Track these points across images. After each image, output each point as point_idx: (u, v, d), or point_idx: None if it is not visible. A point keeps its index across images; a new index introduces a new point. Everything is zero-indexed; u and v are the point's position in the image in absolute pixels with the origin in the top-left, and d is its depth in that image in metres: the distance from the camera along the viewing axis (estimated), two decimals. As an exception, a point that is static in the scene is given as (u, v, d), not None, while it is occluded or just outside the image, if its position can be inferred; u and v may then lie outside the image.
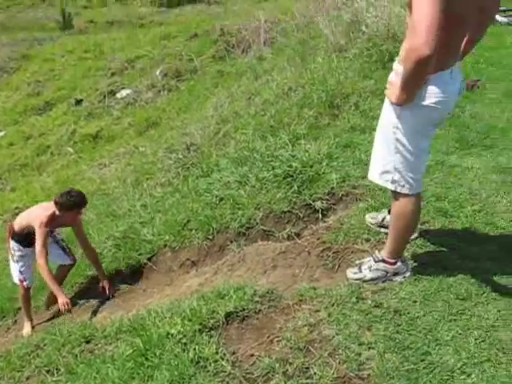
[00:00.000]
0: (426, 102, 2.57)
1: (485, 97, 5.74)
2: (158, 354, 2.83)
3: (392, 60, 2.77)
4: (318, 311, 2.81)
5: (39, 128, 14.08)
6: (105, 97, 14.20)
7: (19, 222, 5.01)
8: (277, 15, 13.56)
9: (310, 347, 2.58)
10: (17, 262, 5.07)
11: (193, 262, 4.44)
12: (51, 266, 4.88)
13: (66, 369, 3.40)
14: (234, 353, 2.70)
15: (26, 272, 5.08)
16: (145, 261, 4.81)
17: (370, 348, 2.53)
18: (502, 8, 9.88)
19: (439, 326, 2.63)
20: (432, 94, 2.56)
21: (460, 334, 2.59)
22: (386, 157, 2.76)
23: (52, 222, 4.78)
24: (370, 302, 2.82)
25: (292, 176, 4.34)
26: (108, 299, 4.82)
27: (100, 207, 6.70)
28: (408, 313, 2.72)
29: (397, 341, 2.55)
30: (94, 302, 4.89)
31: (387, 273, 2.99)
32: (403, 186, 2.76)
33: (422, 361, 2.45)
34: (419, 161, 2.77)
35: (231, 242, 4.21)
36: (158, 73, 14.09)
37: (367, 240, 3.44)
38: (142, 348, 2.93)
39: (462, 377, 2.35)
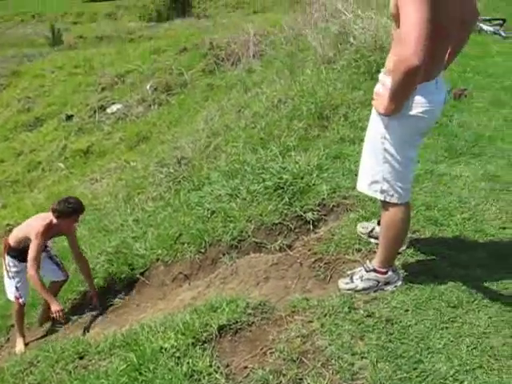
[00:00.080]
0: (413, 112, 2.61)
1: (472, 106, 5.80)
2: (151, 368, 2.82)
3: (380, 71, 2.81)
4: (310, 322, 2.82)
5: (30, 144, 14.08)
6: (95, 112, 14.23)
7: (15, 235, 4.99)
8: (266, 28, 13.67)
9: (303, 358, 2.59)
10: (13, 278, 5.03)
11: (185, 275, 4.44)
12: (44, 282, 4.87)
13: (59, 385, 3.39)
14: (227, 365, 2.70)
15: (22, 288, 5.05)
16: (138, 275, 4.80)
17: (362, 358, 2.54)
18: (487, 17, 10.02)
19: (431, 334, 2.64)
20: (418, 104, 2.60)
21: (452, 341, 2.60)
22: (375, 167, 2.79)
23: (49, 232, 4.81)
24: (362, 311, 2.83)
25: (283, 188, 4.36)
26: (101, 314, 4.81)
27: (92, 222, 6.70)
28: (400, 322, 2.74)
29: (389, 350, 2.56)
30: (86, 317, 4.87)
31: (379, 282, 3.00)
32: (392, 196, 2.79)
33: (415, 369, 2.45)
34: (407, 170, 2.80)
35: (223, 254, 4.21)
36: (148, 87, 14.14)
37: (358, 250, 3.46)
38: (135, 363, 2.92)
39: (454, 384, 2.37)
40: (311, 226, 4.02)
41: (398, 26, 2.54)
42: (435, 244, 3.37)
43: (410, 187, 2.87)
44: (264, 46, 12.28)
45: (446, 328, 2.68)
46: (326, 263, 3.48)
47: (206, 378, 2.62)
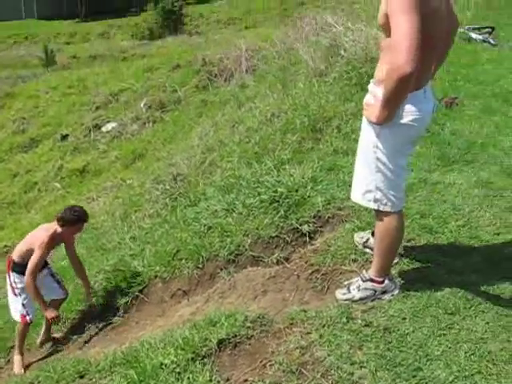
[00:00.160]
0: (404, 121, 2.66)
1: (464, 113, 5.84)
2: (152, 384, 2.83)
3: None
4: (309, 333, 2.84)
5: (26, 165, 14.09)
6: (90, 131, 14.27)
7: (19, 250, 4.99)
8: (257, 43, 13.75)
9: (302, 369, 2.60)
10: (19, 294, 4.98)
11: (184, 291, 4.44)
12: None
13: (61, 405, 3.39)
14: (227, 379, 2.71)
15: (29, 305, 5.00)
16: (136, 293, 4.80)
17: (361, 367, 2.55)
18: (476, 26, 10.11)
19: (429, 342, 2.66)
20: (409, 113, 2.65)
21: (450, 348, 2.62)
22: (368, 176, 2.83)
23: (53, 242, 4.88)
24: (359, 321, 2.85)
25: (278, 201, 4.39)
26: (101, 329, 4.81)
27: (89, 241, 6.70)
28: (398, 330, 2.76)
29: (388, 358, 2.58)
30: (86, 337, 4.87)
31: (376, 291, 3.02)
32: (386, 204, 2.82)
33: (414, 377, 2.47)
34: (400, 178, 2.84)
35: (221, 269, 4.23)
36: (142, 105, 14.19)
37: (355, 260, 3.48)
38: (136, 380, 2.92)
39: (453, 390, 2.39)
40: (307, 238, 4.04)
41: (387, 36, 2.59)
42: (430, 251, 3.40)
43: (402, 195, 2.90)
44: (256, 60, 12.36)
45: (444, 335, 2.71)
46: (323, 274, 3.50)
47: (207, 392, 2.64)
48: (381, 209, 2.83)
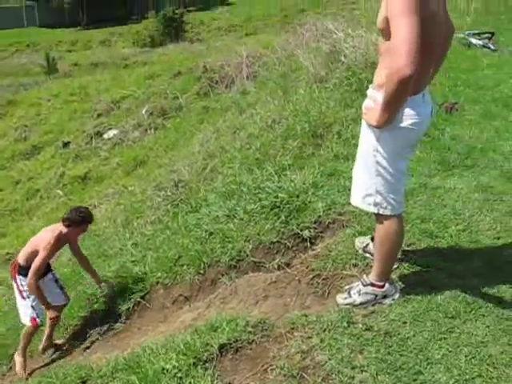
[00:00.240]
0: (404, 124, 2.68)
1: (464, 118, 5.86)
2: (154, 389, 2.84)
3: (369, 87, 2.88)
4: (310, 338, 2.84)
5: (28, 172, 14.13)
6: (92, 138, 14.31)
7: (25, 252, 5.02)
8: (258, 50, 13.80)
9: (303, 374, 2.61)
10: (28, 297, 5.00)
11: (185, 297, 4.46)
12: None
13: (63, 411, 3.40)
14: (229, 384, 2.73)
15: (38, 307, 5.02)
16: (138, 299, 4.81)
17: (362, 371, 2.56)
18: (476, 31, 10.15)
19: (430, 345, 2.67)
20: (408, 116, 2.68)
21: (450, 351, 2.63)
22: (367, 180, 2.84)
23: (59, 243, 4.95)
24: (360, 325, 2.86)
25: (279, 207, 4.40)
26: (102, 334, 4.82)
27: (91, 248, 6.71)
28: (398, 334, 2.76)
29: (389, 362, 2.59)
30: (88, 343, 4.88)
31: (376, 296, 3.03)
32: (386, 208, 2.83)
33: (415, 380, 2.48)
34: (399, 182, 2.85)
35: (222, 275, 4.24)
36: (143, 112, 14.23)
37: (355, 265, 3.49)
38: (138, 385, 2.94)
39: (454, 394, 2.39)
40: (308, 244, 4.06)
41: (386, 40, 2.61)
42: (431, 256, 3.41)
43: (402, 199, 2.92)
44: (257, 67, 12.40)
45: (445, 338, 2.71)
46: (323, 279, 3.51)
47: (209, 397, 2.65)
48: (381, 212, 2.85)
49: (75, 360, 4.57)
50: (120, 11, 43.26)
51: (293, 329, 2.97)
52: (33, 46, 36.48)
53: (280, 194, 4.50)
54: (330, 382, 2.54)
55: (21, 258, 5.01)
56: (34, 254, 4.87)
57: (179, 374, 2.84)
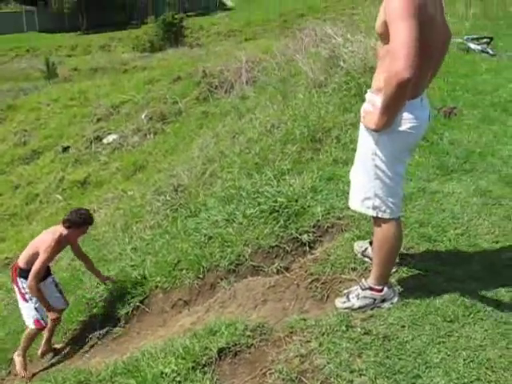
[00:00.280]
0: (403, 128, 2.70)
1: (462, 123, 5.86)
2: (153, 393, 2.84)
3: (368, 92, 2.90)
4: (308, 342, 2.85)
5: (27, 177, 14.16)
6: (91, 143, 14.34)
7: (25, 255, 5.03)
8: (257, 55, 13.85)
9: (302, 377, 2.62)
10: (30, 299, 4.99)
11: (185, 301, 4.46)
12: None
13: (62, 416, 3.40)
14: (228, 388, 2.73)
15: (41, 309, 5.01)
16: (137, 303, 4.81)
17: (361, 375, 2.57)
18: (475, 36, 10.17)
19: (428, 349, 2.68)
20: (407, 120, 2.70)
21: (449, 355, 2.64)
22: (366, 184, 2.86)
23: (60, 245, 4.96)
24: (359, 329, 2.87)
25: (278, 211, 4.41)
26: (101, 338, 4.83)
27: (91, 252, 6.70)
28: (397, 338, 2.77)
29: (387, 366, 2.59)
30: (87, 347, 4.88)
31: (375, 300, 3.04)
32: (384, 211, 2.85)
33: (413, 384, 2.49)
34: (398, 186, 2.87)
35: (222, 279, 4.24)
36: (143, 117, 14.27)
37: (354, 269, 3.49)
38: (136, 389, 2.94)
39: (452, 397, 2.40)
40: (307, 248, 4.06)
41: (385, 44, 2.63)
42: (429, 260, 3.42)
43: (401, 202, 2.93)
44: (256, 72, 12.44)
45: (443, 342, 2.72)
46: (322, 283, 3.51)
47: (207, 401, 2.65)
48: (379, 215, 2.86)
49: (74, 364, 4.57)
50: (120, 16, 43.40)
51: (291, 333, 2.98)
52: (32, 51, 36.59)
53: (279, 199, 4.51)
54: (329, 385, 2.54)
55: (21, 261, 5.02)
56: (35, 256, 4.88)
57: (178, 378, 2.85)
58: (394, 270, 3.23)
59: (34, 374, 5.02)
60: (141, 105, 15.04)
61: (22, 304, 5.08)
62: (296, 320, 3.08)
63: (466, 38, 9.85)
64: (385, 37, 2.60)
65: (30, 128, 16.86)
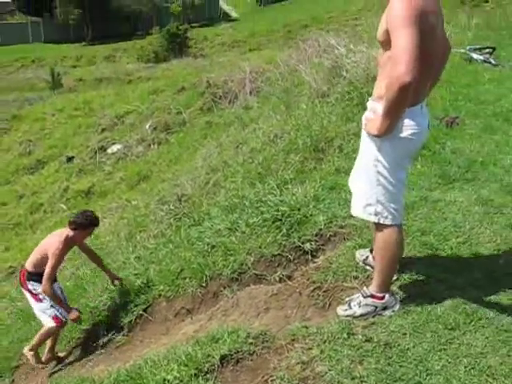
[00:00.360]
0: (404, 134, 2.74)
1: (464, 132, 5.88)
2: (155, 400, 2.86)
3: (370, 100, 2.94)
4: (310, 349, 2.86)
5: (32, 187, 14.22)
6: (96, 153, 14.41)
7: (33, 259, 5.07)
8: (261, 65, 13.92)
9: (303, 384, 2.63)
10: (44, 298, 5.00)
11: (188, 310, 4.47)
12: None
13: (65, 423, 3.41)
14: (230, 395, 2.74)
15: (57, 306, 5.02)
16: (140, 312, 4.83)
17: (362, 382, 2.58)
18: (477, 46, 10.20)
19: (429, 357, 2.68)
20: (408, 127, 2.74)
21: (450, 362, 2.64)
22: (368, 190, 2.89)
23: (67, 247, 5.02)
24: (360, 336, 2.88)
25: (281, 220, 4.43)
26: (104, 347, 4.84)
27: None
28: (398, 345, 2.78)
29: (388, 373, 2.60)
30: (90, 355, 4.89)
31: (376, 307, 3.05)
32: (386, 217, 2.87)
33: (414, 391, 2.50)
34: (400, 192, 2.90)
35: (224, 287, 4.26)
36: (147, 127, 14.33)
37: (356, 277, 3.51)
38: (139, 396, 2.96)
39: (453, 405, 2.41)
40: (309, 256, 4.08)
41: (386, 51, 2.68)
42: (431, 268, 3.42)
43: (402, 209, 2.96)
44: (260, 82, 12.50)
45: (444, 350, 2.73)
46: (324, 291, 3.53)
47: (209, 407, 2.66)
48: (381, 222, 2.88)
49: (77, 372, 4.58)
50: (124, 27, 43.67)
51: (293, 340, 2.99)
52: (38, 62, 36.84)
53: (281, 208, 4.53)
54: (330, 392, 2.55)
55: (29, 265, 5.06)
56: (43, 259, 4.91)
57: (180, 385, 2.86)
58: (395, 277, 3.25)
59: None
60: (145, 115, 15.12)
61: (36, 305, 5.08)
62: (298, 327, 3.10)
63: (468, 48, 9.88)
64: (386, 44, 2.65)
65: (34, 138, 16.96)
